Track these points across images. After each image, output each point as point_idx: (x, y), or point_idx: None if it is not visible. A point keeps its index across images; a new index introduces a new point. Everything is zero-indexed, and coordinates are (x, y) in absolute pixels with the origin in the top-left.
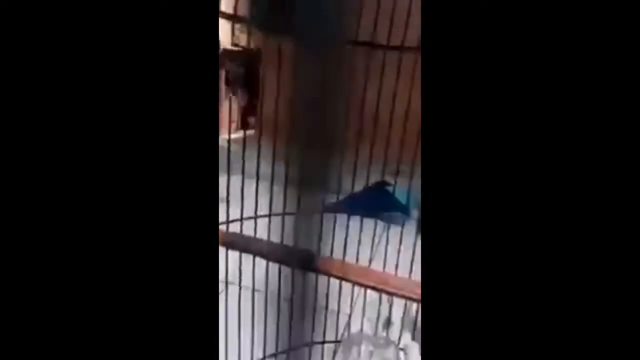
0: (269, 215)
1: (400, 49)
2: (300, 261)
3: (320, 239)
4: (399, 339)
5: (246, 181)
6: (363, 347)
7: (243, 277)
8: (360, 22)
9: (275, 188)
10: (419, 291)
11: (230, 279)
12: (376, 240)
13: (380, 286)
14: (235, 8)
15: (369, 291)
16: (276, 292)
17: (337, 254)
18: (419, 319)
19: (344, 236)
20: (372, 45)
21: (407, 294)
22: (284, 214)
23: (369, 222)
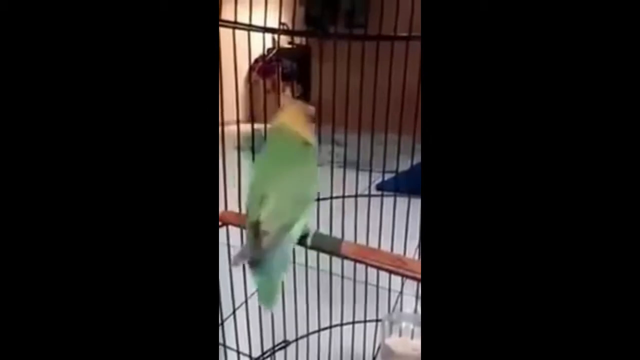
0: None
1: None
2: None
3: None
4: None
5: None
6: (404, 325)
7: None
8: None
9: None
10: None
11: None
12: None
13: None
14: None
15: None
16: (326, 270)
17: (386, 233)
18: None
19: (391, 217)
20: (410, 37)
21: None
22: (343, 196)
23: (415, 203)
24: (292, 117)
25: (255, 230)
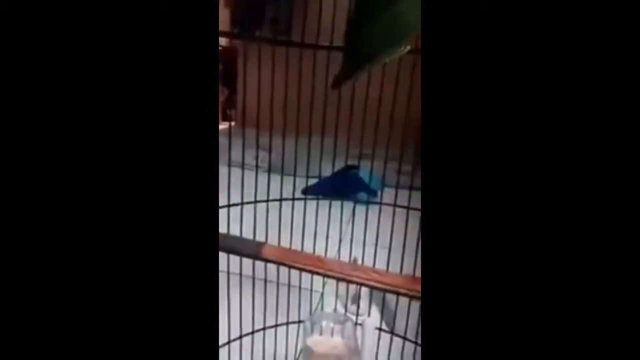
0: (246, 203)
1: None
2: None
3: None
4: (369, 312)
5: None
6: (324, 324)
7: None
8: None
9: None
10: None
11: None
12: (344, 223)
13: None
14: None
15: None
16: (248, 275)
17: (309, 235)
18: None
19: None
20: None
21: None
22: (267, 200)
23: (336, 207)
24: None
25: None
